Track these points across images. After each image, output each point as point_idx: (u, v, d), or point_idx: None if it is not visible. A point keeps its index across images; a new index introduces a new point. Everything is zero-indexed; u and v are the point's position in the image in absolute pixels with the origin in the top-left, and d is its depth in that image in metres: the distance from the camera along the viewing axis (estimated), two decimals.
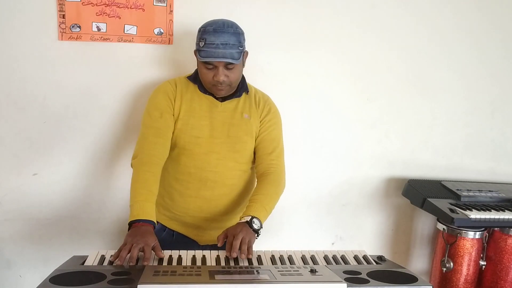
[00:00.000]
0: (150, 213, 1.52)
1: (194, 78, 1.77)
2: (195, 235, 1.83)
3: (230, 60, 1.60)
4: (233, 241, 1.46)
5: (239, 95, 1.76)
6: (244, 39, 1.68)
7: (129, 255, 1.36)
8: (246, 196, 1.84)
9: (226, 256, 1.46)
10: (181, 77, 1.82)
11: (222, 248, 1.50)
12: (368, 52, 2.25)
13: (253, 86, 1.87)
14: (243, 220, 1.57)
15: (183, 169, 1.75)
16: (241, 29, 1.67)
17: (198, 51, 1.64)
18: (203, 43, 1.61)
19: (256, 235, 1.55)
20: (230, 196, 1.79)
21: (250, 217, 1.56)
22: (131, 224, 1.49)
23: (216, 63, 1.62)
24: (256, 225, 1.55)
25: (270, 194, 1.69)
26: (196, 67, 1.76)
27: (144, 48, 2.03)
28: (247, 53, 1.73)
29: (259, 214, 1.59)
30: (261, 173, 1.77)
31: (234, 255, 1.43)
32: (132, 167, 1.67)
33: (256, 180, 1.80)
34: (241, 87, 1.76)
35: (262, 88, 2.18)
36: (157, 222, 1.60)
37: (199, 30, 1.67)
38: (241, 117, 1.75)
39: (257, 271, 1.30)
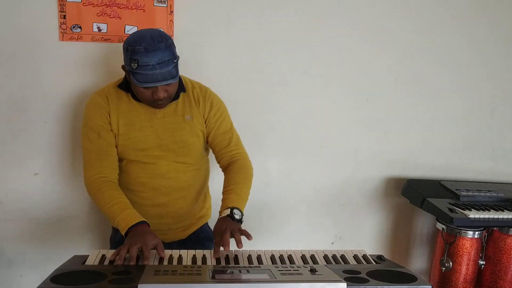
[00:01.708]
0: (137, 216, 1.51)
1: (126, 86, 1.66)
2: (159, 234, 1.78)
3: (170, 81, 1.53)
4: (223, 236, 1.45)
5: (177, 97, 1.67)
6: (175, 47, 1.57)
7: (128, 254, 1.36)
8: (202, 191, 1.83)
9: (226, 255, 1.46)
10: (109, 86, 1.71)
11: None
12: (368, 52, 2.25)
13: (188, 79, 1.77)
14: (223, 215, 1.55)
15: (135, 180, 1.70)
16: (170, 38, 1.55)
17: (132, 73, 1.51)
18: (136, 64, 1.48)
19: (240, 224, 1.55)
20: (188, 197, 1.76)
21: (230, 209, 1.54)
22: (127, 234, 1.47)
23: None
24: (237, 215, 1.54)
25: (241, 181, 1.67)
26: (125, 76, 1.67)
27: None
28: (178, 58, 1.60)
29: (237, 204, 1.57)
30: (226, 165, 1.75)
31: (227, 249, 1.42)
32: (90, 196, 1.64)
33: (223, 173, 1.77)
34: (177, 89, 1.66)
35: (262, 88, 2.20)
36: None
37: (126, 49, 1.52)
38: (183, 120, 1.68)
39: (257, 270, 1.30)
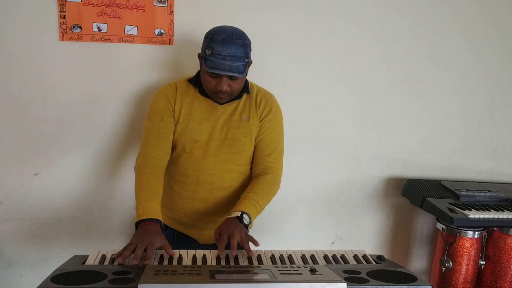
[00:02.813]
0: (154, 212, 1.53)
1: (195, 81, 1.75)
2: (195, 234, 1.84)
3: (236, 74, 1.59)
4: (231, 241, 1.45)
5: (240, 97, 1.74)
6: (250, 50, 1.65)
7: (132, 254, 1.37)
8: None
9: (226, 255, 1.46)
10: (182, 79, 1.80)
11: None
12: (368, 52, 2.26)
13: (255, 84, 1.84)
14: (232, 215, 1.56)
15: (181, 171, 1.76)
16: (249, 39, 1.65)
17: (204, 59, 1.61)
18: (210, 51, 1.58)
19: (247, 230, 1.56)
20: (228, 198, 1.78)
21: (240, 212, 1.56)
22: (138, 224, 1.50)
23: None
24: (246, 220, 1.55)
25: (263, 193, 1.68)
26: (198, 70, 1.75)
27: (144, 49, 2.04)
28: (251, 62, 1.70)
29: (250, 211, 1.59)
30: (257, 174, 1.76)
31: (234, 253, 1.43)
32: (135, 171, 1.69)
33: (252, 178, 1.78)
34: (242, 89, 1.73)
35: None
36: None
37: (206, 36, 1.63)
38: (239, 119, 1.74)
39: (257, 270, 1.30)
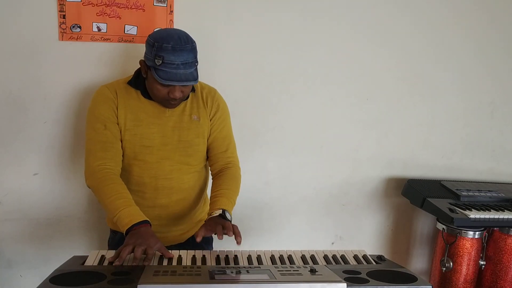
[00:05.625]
0: (140, 215, 1.50)
1: (135, 83, 1.67)
2: (158, 237, 1.80)
3: (192, 83, 1.54)
4: (224, 224, 1.49)
5: (187, 97, 1.69)
6: (197, 51, 1.59)
7: (129, 256, 1.36)
8: (202, 194, 1.84)
9: (226, 255, 1.46)
10: (119, 81, 1.71)
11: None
12: (368, 52, 2.25)
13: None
14: (215, 214, 1.56)
15: (136, 180, 1.70)
16: (194, 41, 1.58)
17: (154, 69, 1.52)
18: (160, 61, 1.49)
19: None
20: (189, 199, 1.77)
21: (221, 210, 1.57)
22: (128, 231, 1.46)
23: None
24: (228, 217, 1.57)
25: (232, 188, 1.69)
26: (135, 71, 1.68)
27: (144, 49, 2.03)
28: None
29: (227, 207, 1.60)
30: (218, 170, 1.75)
31: (231, 234, 1.46)
32: (89, 187, 1.62)
33: (212, 177, 1.78)
34: None
35: (262, 88, 2.20)
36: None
37: (152, 45, 1.53)
38: (190, 120, 1.69)
39: (256, 271, 1.30)
